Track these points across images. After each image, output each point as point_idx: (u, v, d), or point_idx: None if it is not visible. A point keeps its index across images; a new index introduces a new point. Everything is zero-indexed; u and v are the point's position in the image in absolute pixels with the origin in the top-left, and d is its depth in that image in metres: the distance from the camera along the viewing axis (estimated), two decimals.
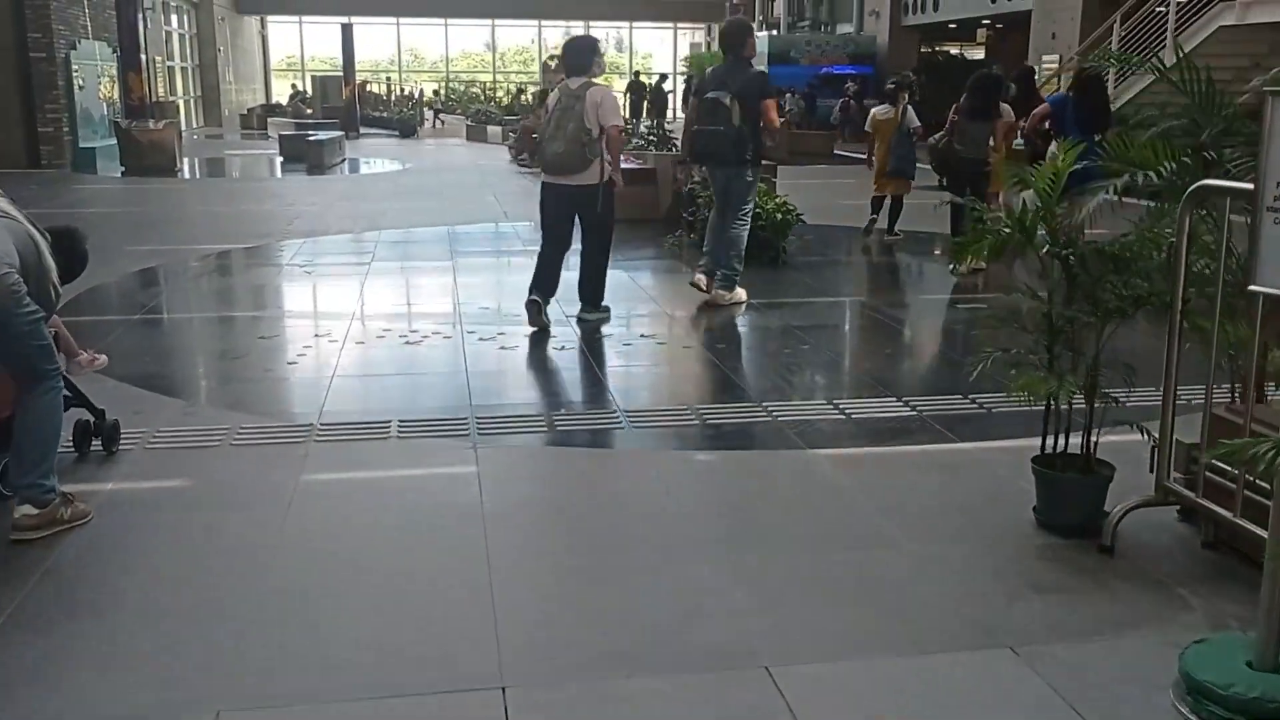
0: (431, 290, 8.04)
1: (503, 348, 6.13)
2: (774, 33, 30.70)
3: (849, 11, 31.53)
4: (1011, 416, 4.73)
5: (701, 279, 7.23)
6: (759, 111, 6.76)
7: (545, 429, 4.70)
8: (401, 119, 30.02)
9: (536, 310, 6.39)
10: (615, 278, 8.57)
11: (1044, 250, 3.60)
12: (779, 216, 8.93)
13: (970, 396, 5.10)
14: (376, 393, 5.34)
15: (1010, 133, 8.75)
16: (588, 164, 6.21)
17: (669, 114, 30.19)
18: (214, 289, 8.37)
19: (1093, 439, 3.59)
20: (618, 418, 4.82)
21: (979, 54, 32.56)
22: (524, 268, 8.80)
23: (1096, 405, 3.55)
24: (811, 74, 28.34)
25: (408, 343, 6.24)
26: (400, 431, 4.62)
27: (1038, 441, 3.72)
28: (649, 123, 26.68)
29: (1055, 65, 20.49)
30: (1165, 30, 14.46)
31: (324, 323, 6.92)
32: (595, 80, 6.30)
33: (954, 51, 31.98)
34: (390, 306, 7.50)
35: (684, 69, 37.86)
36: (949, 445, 4.50)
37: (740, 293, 7.22)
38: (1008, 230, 3.69)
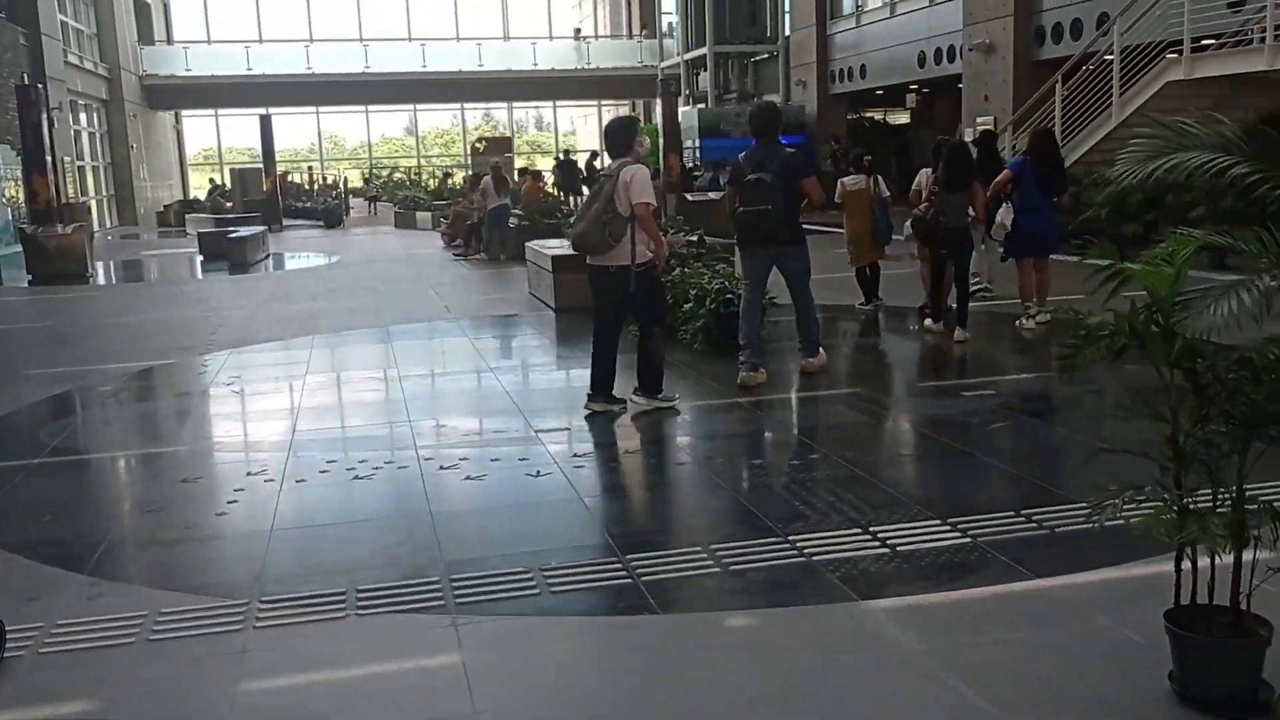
0: (378, 407, 7.19)
1: (468, 478, 5.31)
2: (702, 107, 30.54)
3: (775, 83, 31.59)
4: (1081, 537, 4.04)
5: (752, 375, 7.04)
6: (798, 190, 6.90)
7: (535, 590, 3.88)
8: (326, 209, 29.17)
9: (594, 406, 6.43)
10: (576, 381, 7.86)
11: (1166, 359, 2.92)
12: None
13: (1026, 514, 4.40)
14: (326, 549, 4.47)
15: (984, 200, 8.83)
16: (610, 245, 6.11)
17: None
18: (129, 419, 7.43)
19: (1242, 590, 2.89)
20: (620, 568, 4.02)
21: (904, 118, 32.82)
22: (476, 372, 8.13)
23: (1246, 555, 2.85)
24: (744, 146, 28.08)
25: (357, 477, 5.39)
26: (360, 603, 3.77)
27: (1129, 573, 3.02)
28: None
29: (990, 127, 20.44)
30: (1110, 88, 14.27)
31: (257, 456, 6.02)
32: (630, 161, 6.21)
33: (877, 117, 32.14)
34: (333, 431, 6.62)
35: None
36: (1024, 584, 3.76)
37: (822, 354, 7.44)
38: (1120, 335, 3.02)
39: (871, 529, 4.34)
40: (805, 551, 4.11)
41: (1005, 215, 8.94)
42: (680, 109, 29.82)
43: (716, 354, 8.16)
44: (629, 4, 46.56)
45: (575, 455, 5.70)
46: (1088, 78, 14.84)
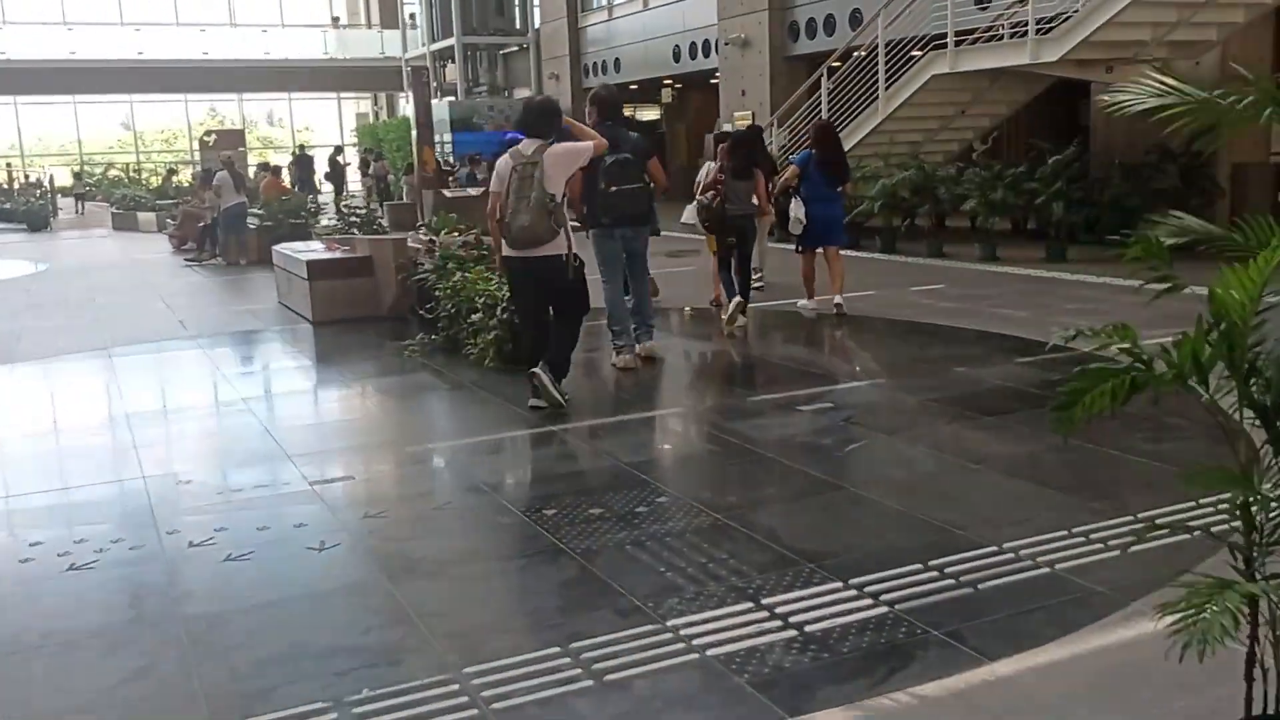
0: (100, 458, 5.73)
1: (229, 558, 4.08)
2: (452, 99, 29.20)
3: (525, 76, 30.66)
4: (1010, 596, 3.37)
5: (634, 358, 7.19)
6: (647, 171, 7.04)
7: None
8: (29, 210, 25.85)
9: (536, 384, 5.97)
10: (364, 416, 6.66)
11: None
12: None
13: (935, 566, 3.69)
14: (32, 681, 3.17)
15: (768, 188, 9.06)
16: (555, 232, 5.88)
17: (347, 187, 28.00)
18: None
19: None
20: (458, 693, 2.98)
21: (654, 114, 32.68)
22: (226, 405, 6.76)
23: None
24: (498, 139, 27.01)
25: (73, 567, 4.05)
26: None
27: (1094, 643, 2.30)
28: (340, 198, 24.43)
29: (747, 120, 20.34)
30: (876, 82, 14.21)
31: None
32: (549, 143, 5.97)
33: (627, 114, 31.78)
34: (39, 498, 5.14)
35: (355, 140, 35.59)
36: (979, 673, 3.00)
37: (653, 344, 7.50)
38: (1136, 366, 2.27)
39: (764, 601, 3.49)
40: (694, 642, 3.21)
41: (798, 209, 8.92)
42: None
43: (511, 373, 7.16)
44: None
45: (368, 515, 4.57)
46: (852, 72, 14.74)
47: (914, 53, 14.23)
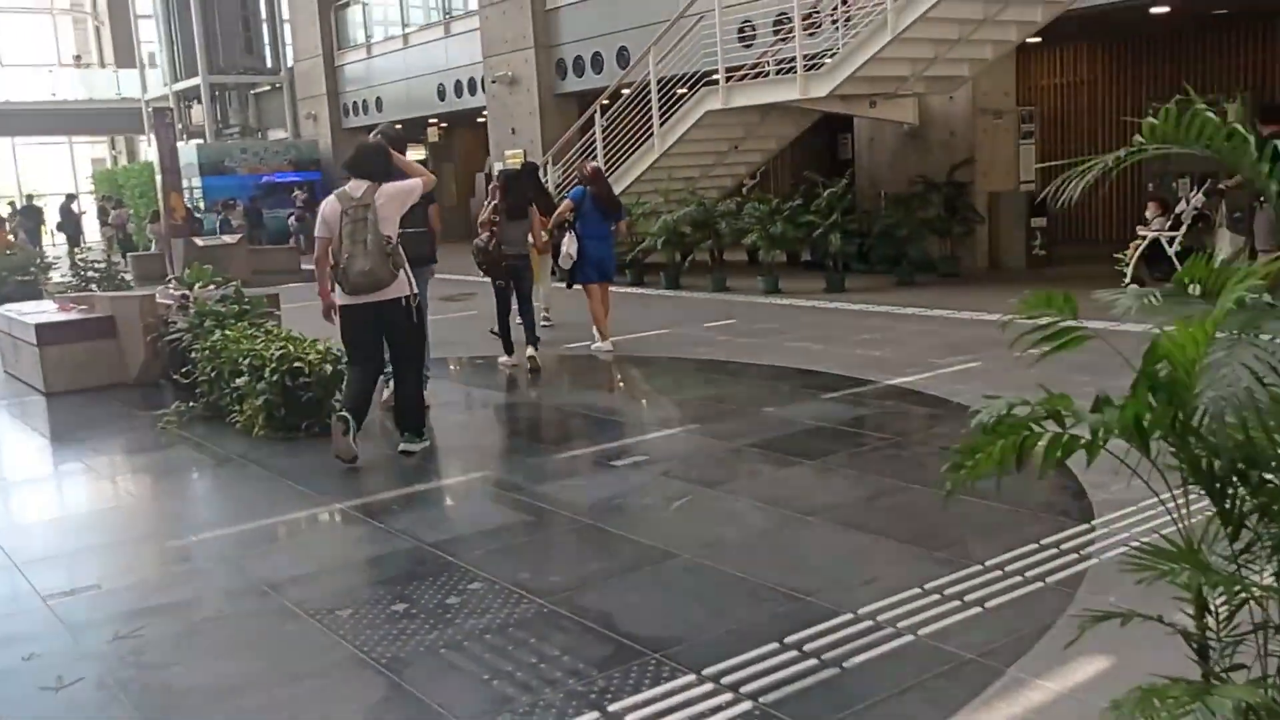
0: None
1: None
2: (200, 142, 27.44)
3: (280, 116, 29.25)
4: (878, 670, 3.04)
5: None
6: None
7: None
8: None
9: (344, 428, 5.64)
10: (112, 505, 5.73)
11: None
12: (326, 368, 6.59)
13: (792, 644, 3.31)
14: None
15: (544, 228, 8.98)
16: (395, 275, 5.69)
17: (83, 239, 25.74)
18: None
19: None
20: None
21: (419, 155, 31.88)
22: None
23: None
24: (253, 183, 25.59)
25: None
26: None
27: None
28: (77, 251, 22.33)
29: (519, 158, 19.98)
30: (650, 119, 14.12)
31: None
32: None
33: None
34: None
35: (92, 188, 32.87)
36: None
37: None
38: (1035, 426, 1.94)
39: (611, 708, 3.01)
40: None
41: (570, 244, 8.94)
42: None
43: (286, 441, 6.42)
44: (98, 31, 41.45)
45: (120, 635, 3.78)
46: (626, 109, 14.61)
47: (679, 90, 14.28)
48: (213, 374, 7.17)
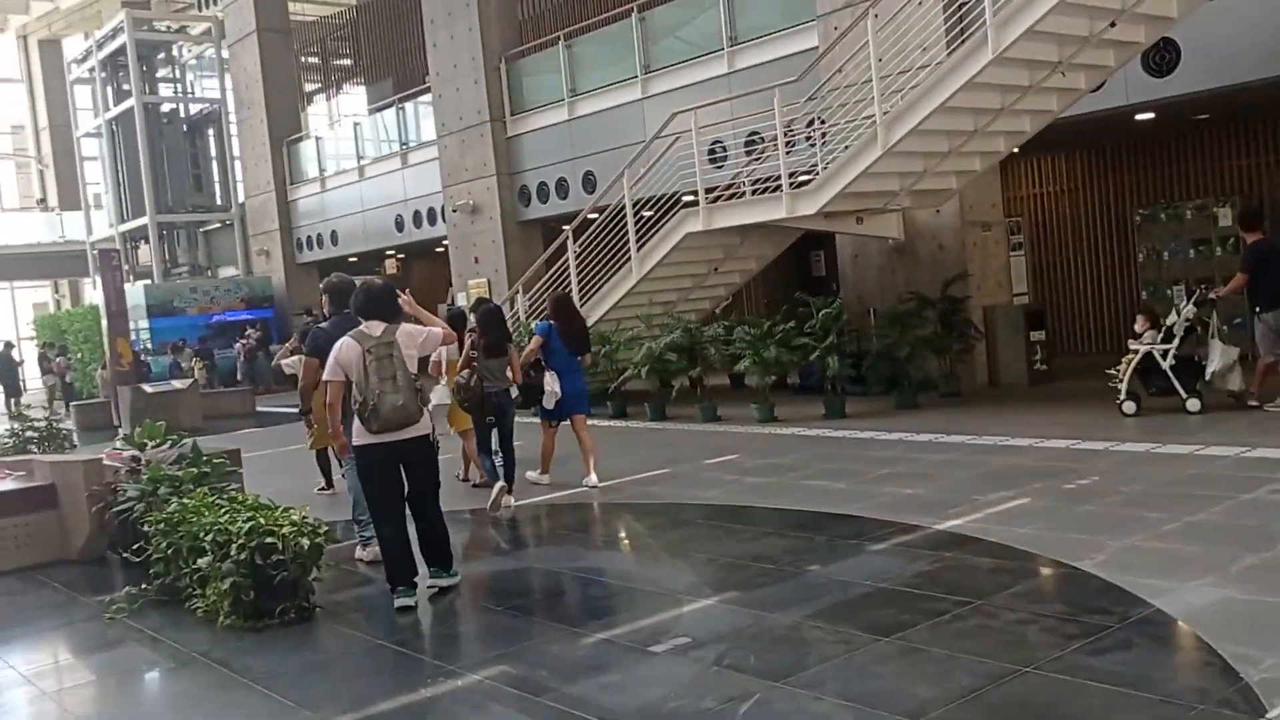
0: None
1: None
2: (148, 282, 26.58)
3: (231, 253, 28.56)
4: None
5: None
6: None
7: None
8: None
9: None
10: None
11: None
12: (302, 542, 5.69)
13: None
14: None
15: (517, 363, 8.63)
16: (423, 412, 5.78)
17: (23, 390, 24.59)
18: None
19: None
20: None
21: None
22: None
23: None
24: (203, 324, 24.71)
25: None
26: None
27: None
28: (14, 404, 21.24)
29: (482, 288, 19.38)
30: (625, 243, 13.56)
31: None
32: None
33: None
34: None
35: (34, 334, 31.70)
36: None
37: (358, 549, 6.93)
38: None
39: None
40: None
41: (553, 381, 8.70)
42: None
43: (257, 633, 5.48)
44: (42, 174, 40.82)
45: None
46: (599, 234, 14.06)
47: (644, 212, 13.80)
48: (169, 551, 6.23)
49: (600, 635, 5.04)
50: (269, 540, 5.61)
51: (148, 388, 17.19)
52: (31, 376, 27.68)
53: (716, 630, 4.97)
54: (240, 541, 5.68)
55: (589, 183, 17.31)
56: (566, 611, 5.79)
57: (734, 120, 13.09)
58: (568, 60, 17.59)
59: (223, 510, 6.08)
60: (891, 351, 11.62)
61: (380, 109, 23.83)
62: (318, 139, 25.54)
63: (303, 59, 29.30)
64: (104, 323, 17.88)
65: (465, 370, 8.11)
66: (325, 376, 5.82)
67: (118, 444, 8.26)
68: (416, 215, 21.78)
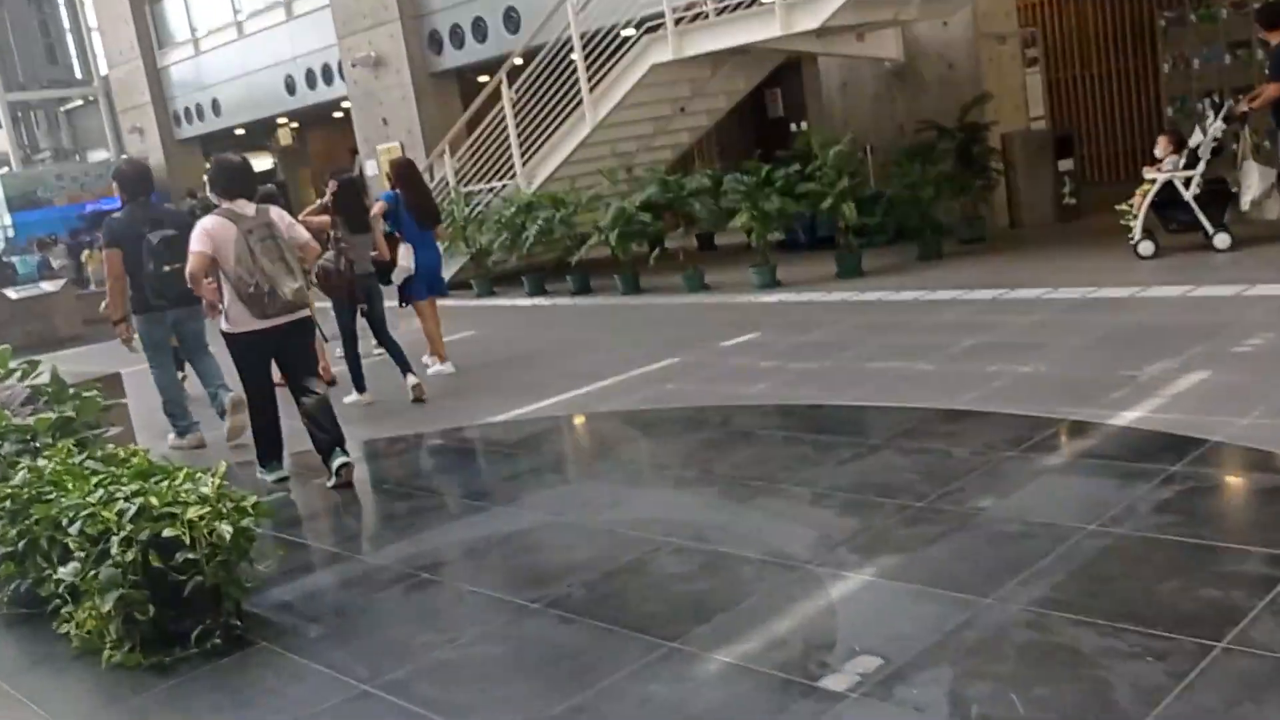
0: None
1: None
2: (5, 171, 23.33)
3: (100, 134, 25.28)
4: None
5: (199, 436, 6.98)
6: None
7: None
8: None
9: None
10: None
11: None
12: (222, 529, 3.67)
13: None
14: None
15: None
16: (307, 295, 5.59)
17: None
18: None
19: None
20: None
21: (268, 163, 28.21)
22: None
23: None
24: (75, 214, 21.73)
25: None
26: None
27: None
28: None
29: (397, 152, 16.94)
30: (569, 87, 11.29)
31: None
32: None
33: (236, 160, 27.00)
34: None
35: None
36: None
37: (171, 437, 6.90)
38: None
39: None
40: None
41: (406, 256, 7.80)
42: None
43: (162, 674, 3.52)
44: None
45: None
46: (537, 79, 11.76)
47: (571, 56, 11.57)
48: (20, 547, 4.18)
49: (722, 657, 3.15)
50: (167, 530, 3.59)
51: (11, 293, 14.56)
52: None
53: (910, 638, 3.09)
54: (125, 533, 3.66)
55: (511, 21, 14.81)
56: (646, 610, 3.62)
57: None
58: None
59: (95, 481, 4.02)
60: (918, 193, 9.71)
61: None
62: None
63: None
64: None
65: (331, 252, 6.80)
66: (195, 248, 5.29)
67: None
68: (310, 75, 18.96)
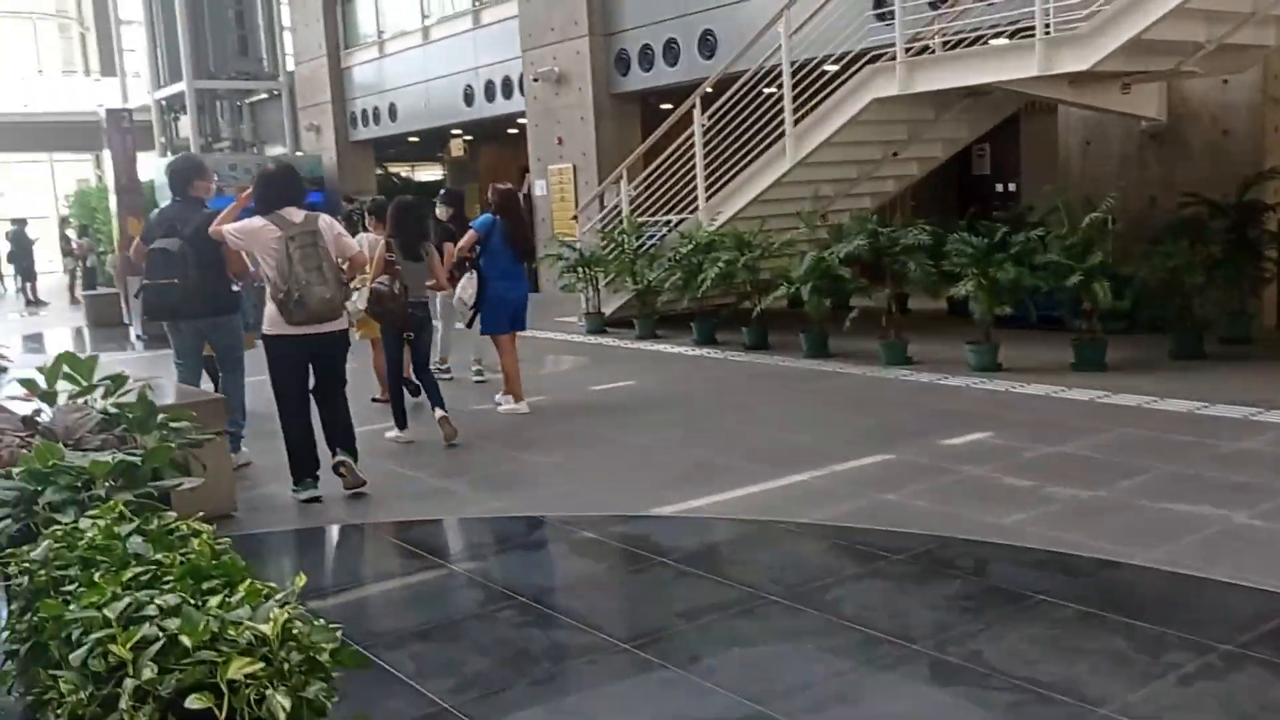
0: None
1: None
2: (176, 157, 23.42)
3: (279, 130, 25.28)
4: None
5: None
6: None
7: None
8: None
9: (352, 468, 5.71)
10: None
11: None
12: (279, 710, 2.44)
13: None
14: None
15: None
16: (343, 307, 5.65)
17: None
18: None
19: None
20: None
21: (434, 174, 27.85)
22: None
23: None
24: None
25: None
26: None
27: None
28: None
29: (570, 175, 16.00)
30: (782, 116, 9.98)
31: None
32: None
33: (402, 173, 26.80)
34: None
35: (68, 210, 28.86)
36: None
37: (246, 452, 6.42)
38: None
39: None
40: None
41: (468, 288, 7.55)
42: (151, 159, 22.82)
43: None
44: (84, 39, 37.70)
45: None
46: (732, 107, 10.50)
47: (765, 89, 10.28)
48: (28, 640, 3.06)
49: None
50: (194, 701, 2.38)
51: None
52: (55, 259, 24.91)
53: None
54: (141, 681, 2.46)
55: (707, 45, 13.72)
56: None
57: None
58: None
59: (127, 577, 2.86)
60: (1179, 277, 8.03)
61: None
62: None
63: None
64: (112, 198, 14.75)
65: (385, 275, 6.50)
66: (231, 241, 5.46)
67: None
68: (489, 87, 18.26)
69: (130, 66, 30.45)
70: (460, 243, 7.64)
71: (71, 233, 21.95)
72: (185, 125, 26.14)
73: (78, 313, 17.83)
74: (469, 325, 7.96)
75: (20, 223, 22.07)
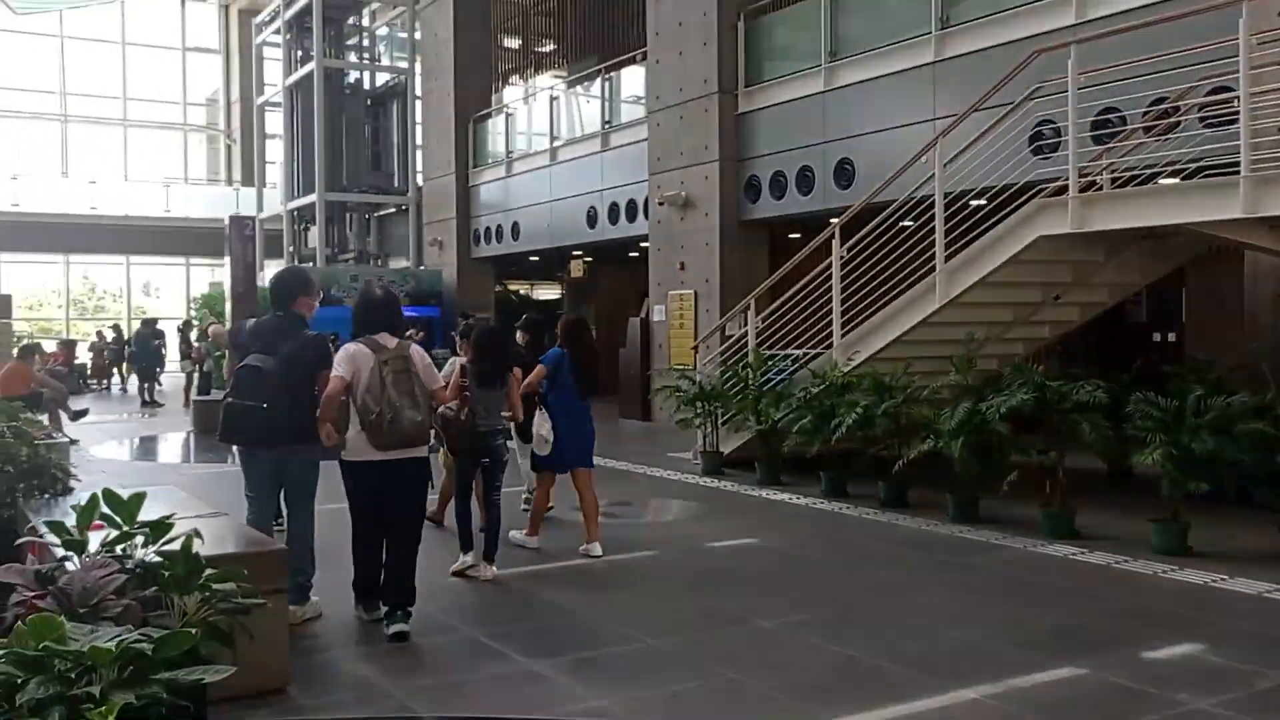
0: None
1: None
2: (310, 267, 23.62)
3: (404, 243, 25.42)
4: None
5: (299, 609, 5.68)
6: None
7: None
8: None
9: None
10: None
11: None
12: None
13: None
14: None
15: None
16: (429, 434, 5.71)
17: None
18: None
19: None
20: None
21: (553, 293, 27.64)
22: None
23: None
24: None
25: None
26: None
27: None
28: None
29: (691, 301, 15.33)
30: (927, 251, 9.11)
31: None
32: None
33: (521, 290, 26.64)
34: None
35: (196, 312, 29.46)
36: None
37: (316, 603, 5.80)
38: None
39: None
40: None
41: (543, 423, 7.32)
42: (275, 267, 23.00)
43: None
44: (229, 149, 39.25)
45: None
46: (879, 237, 9.68)
47: (905, 223, 9.43)
48: None
49: None
50: None
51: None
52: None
53: None
54: None
55: (844, 174, 13.02)
56: None
57: (1159, 60, 8.37)
58: (831, 10, 13.30)
59: None
60: None
61: (582, 79, 20.15)
62: (508, 114, 22.07)
63: (500, 38, 26.03)
64: (228, 305, 14.55)
65: (455, 401, 6.50)
66: (337, 371, 5.35)
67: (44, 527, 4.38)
68: (613, 209, 17.86)
69: (270, 178, 31.35)
70: (528, 379, 7.33)
71: (193, 335, 22.13)
72: (314, 235, 26.56)
73: (189, 417, 17.65)
74: (536, 468, 7.69)
75: (149, 323, 22.36)
